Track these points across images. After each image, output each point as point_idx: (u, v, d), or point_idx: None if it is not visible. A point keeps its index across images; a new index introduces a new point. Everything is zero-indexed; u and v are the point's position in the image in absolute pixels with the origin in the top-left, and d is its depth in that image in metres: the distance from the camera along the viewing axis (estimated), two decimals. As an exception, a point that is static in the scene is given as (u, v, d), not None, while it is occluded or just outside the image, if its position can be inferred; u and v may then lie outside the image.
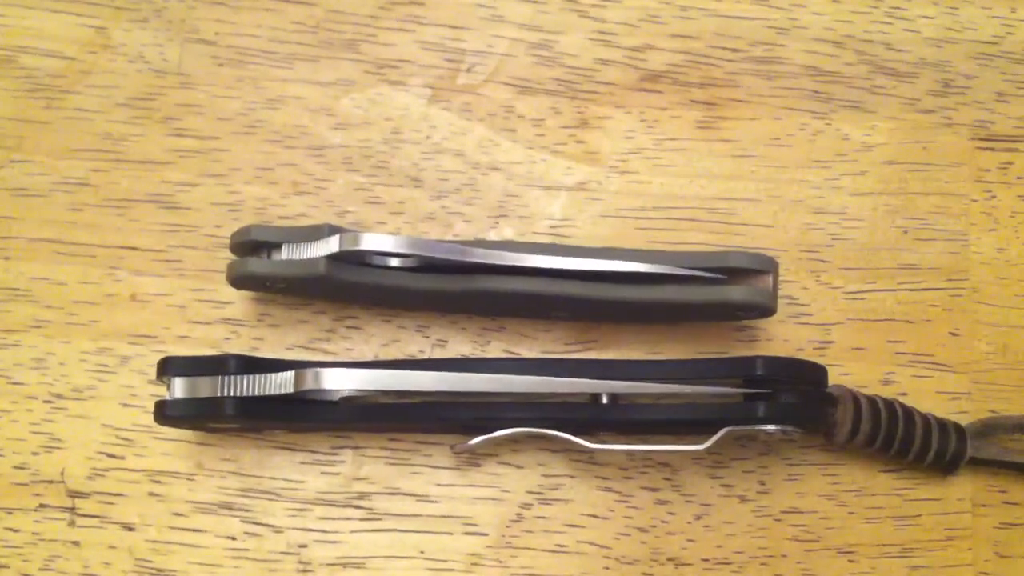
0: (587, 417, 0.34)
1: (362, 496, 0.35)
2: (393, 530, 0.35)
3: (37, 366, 0.35)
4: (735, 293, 0.34)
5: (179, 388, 0.33)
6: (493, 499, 0.35)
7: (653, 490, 0.35)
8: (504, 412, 0.33)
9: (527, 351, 0.36)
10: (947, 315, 0.37)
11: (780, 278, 0.35)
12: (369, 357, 0.36)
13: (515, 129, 0.38)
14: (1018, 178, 0.38)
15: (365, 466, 0.35)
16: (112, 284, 0.36)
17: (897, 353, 0.37)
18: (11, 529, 0.34)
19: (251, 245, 0.34)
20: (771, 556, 0.35)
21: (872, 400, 0.34)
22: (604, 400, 0.33)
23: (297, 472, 0.35)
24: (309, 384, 0.32)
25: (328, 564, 0.34)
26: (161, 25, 0.38)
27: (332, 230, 0.33)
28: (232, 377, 0.32)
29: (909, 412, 0.35)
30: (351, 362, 0.35)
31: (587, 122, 0.38)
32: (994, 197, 0.38)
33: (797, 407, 0.33)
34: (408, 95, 0.38)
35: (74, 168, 0.37)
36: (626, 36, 0.39)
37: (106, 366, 0.35)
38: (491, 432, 0.33)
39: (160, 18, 0.38)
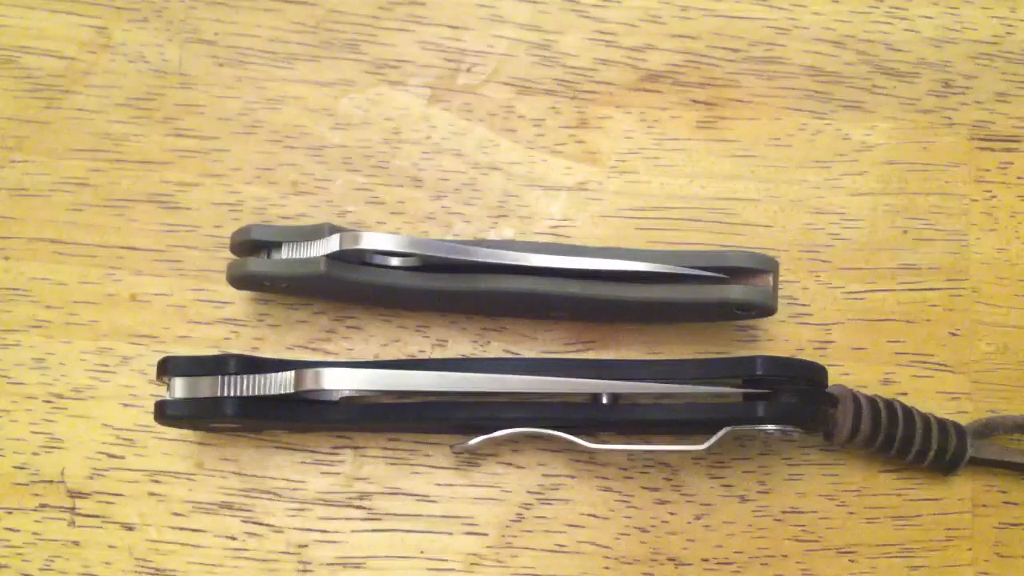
0: (587, 417, 0.34)
1: (362, 496, 0.35)
2: (393, 530, 0.35)
3: (37, 366, 0.35)
4: (735, 292, 0.34)
5: (179, 388, 0.33)
6: (493, 499, 0.35)
7: (653, 490, 0.35)
8: (504, 412, 0.33)
9: (527, 351, 0.36)
10: (947, 315, 0.37)
11: (780, 278, 0.35)
12: (369, 357, 0.36)
13: (515, 129, 0.38)
14: (1018, 178, 0.38)
15: (365, 466, 0.35)
16: (112, 284, 0.36)
17: (897, 353, 0.37)
18: (11, 529, 0.34)
19: (251, 245, 0.34)
20: (771, 556, 0.35)
21: (872, 400, 0.34)
22: (604, 400, 0.33)
23: (297, 472, 0.35)
24: (309, 384, 0.32)
25: (328, 564, 0.34)
26: (161, 25, 0.38)
27: (332, 230, 0.33)
28: (232, 377, 0.32)
29: (909, 412, 0.35)
30: (351, 362, 0.35)
31: (587, 122, 0.38)
32: (994, 197, 0.38)
33: (797, 407, 0.33)
34: (408, 95, 0.38)
35: (74, 168, 0.37)
36: (626, 36, 0.39)
37: (106, 366, 0.35)
38: (491, 432, 0.33)
39: (160, 18, 0.38)
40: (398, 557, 0.35)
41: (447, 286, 0.34)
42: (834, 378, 0.35)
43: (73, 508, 0.34)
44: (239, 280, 0.34)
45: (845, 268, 0.37)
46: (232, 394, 0.32)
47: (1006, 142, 0.39)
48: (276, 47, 0.38)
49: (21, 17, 0.38)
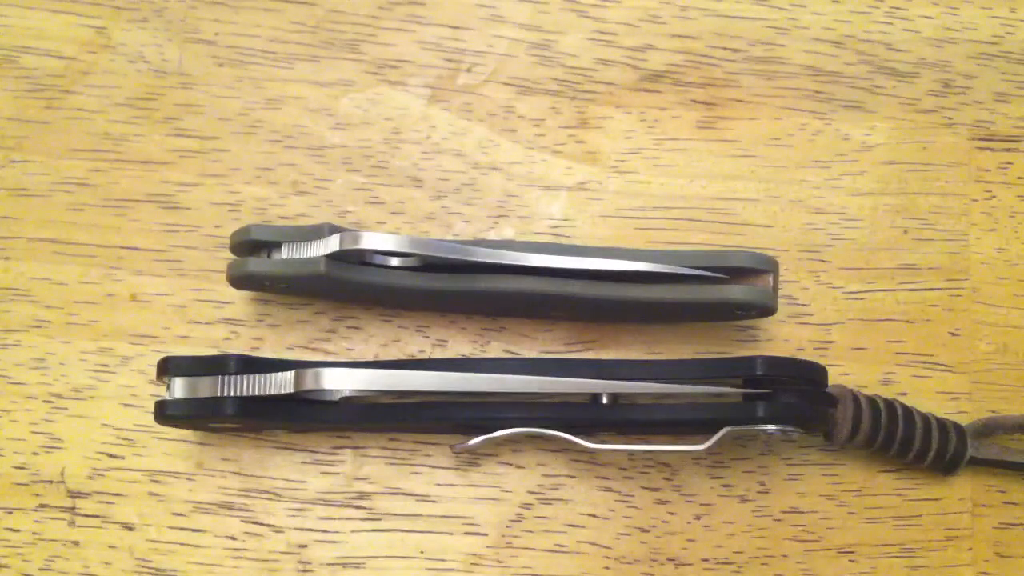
0: (587, 417, 0.34)
1: (362, 496, 0.35)
2: (393, 530, 0.35)
3: (37, 366, 0.35)
4: (735, 292, 0.34)
5: (179, 388, 0.33)
6: (493, 499, 0.35)
7: (653, 490, 0.35)
8: (504, 412, 0.33)
9: (527, 351, 0.36)
10: (947, 315, 0.37)
11: (780, 278, 0.35)
12: (369, 357, 0.36)
13: (515, 129, 0.38)
14: (1018, 178, 0.38)
15: (365, 466, 0.35)
16: (112, 284, 0.36)
17: (897, 353, 0.37)
18: (11, 529, 0.34)
19: (251, 245, 0.34)
20: (771, 556, 0.35)
21: (872, 400, 0.34)
22: (604, 400, 0.33)
23: (297, 472, 0.35)
24: (309, 384, 0.32)
25: (328, 564, 0.34)
26: (161, 25, 0.38)
27: (332, 230, 0.33)
28: (232, 377, 0.32)
29: (909, 412, 0.35)
30: (351, 362, 0.35)
31: (587, 122, 0.38)
32: (994, 197, 0.38)
33: (797, 407, 0.33)
34: (408, 95, 0.38)
35: (74, 168, 0.37)
36: (626, 36, 0.39)
37: (106, 366, 0.35)
38: (491, 432, 0.33)
39: (160, 18, 0.38)
40: (398, 557, 0.35)
41: (447, 286, 0.34)
42: (834, 378, 0.35)
43: (73, 508, 0.34)
44: (239, 280, 0.34)
45: (845, 268, 0.37)
46: (232, 394, 0.32)
47: (1006, 142, 0.39)
48: (276, 47, 0.38)
49: (21, 17, 0.38)
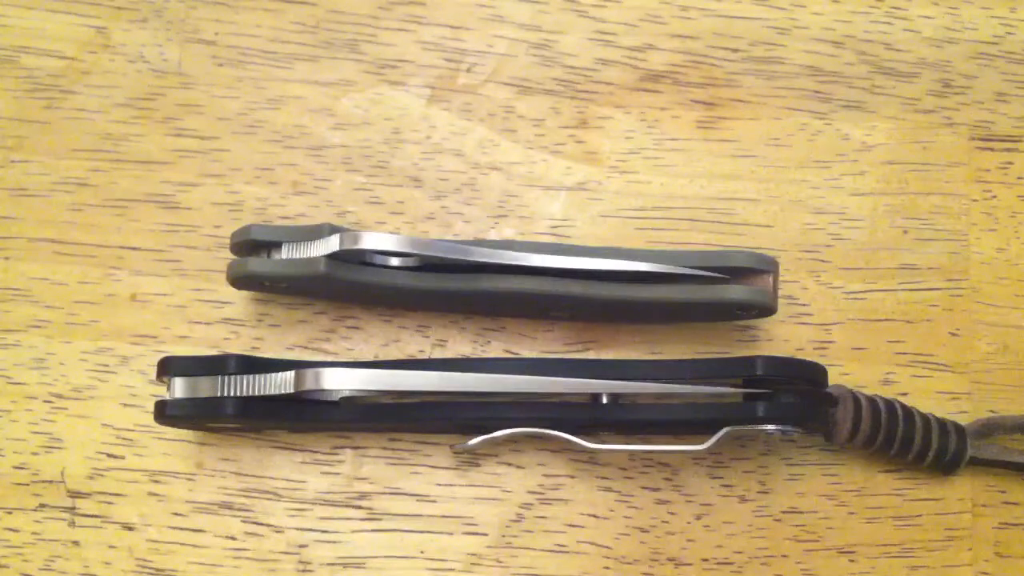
0: (587, 417, 0.34)
1: (362, 496, 0.35)
2: (393, 530, 0.35)
3: (37, 366, 0.35)
4: (735, 292, 0.34)
5: (179, 388, 0.33)
6: (493, 499, 0.35)
7: (653, 490, 0.35)
8: (504, 412, 0.33)
9: (527, 351, 0.36)
10: (947, 315, 0.37)
11: (780, 278, 0.35)
12: (369, 357, 0.36)
13: (515, 129, 0.38)
14: (1018, 178, 0.38)
15: (365, 466, 0.35)
16: (112, 284, 0.36)
17: (897, 353, 0.37)
18: (11, 529, 0.34)
19: (251, 245, 0.34)
20: (771, 556, 0.35)
21: (872, 400, 0.34)
22: (604, 400, 0.33)
23: (297, 472, 0.35)
24: (309, 384, 0.32)
25: (328, 564, 0.34)
26: (161, 25, 0.38)
27: (332, 230, 0.33)
28: (232, 377, 0.32)
29: (909, 412, 0.35)
30: (351, 362, 0.35)
31: (587, 122, 0.38)
32: (994, 197, 0.38)
33: (797, 407, 0.33)
34: (408, 95, 0.38)
35: (74, 168, 0.37)
36: (626, 36, 0.39)
37: (106, 366, 0.35)
38: (491, 432, 0.33)
39: (160, 18, 0.38)
40: (398, 557, 0.35)
41: (447, 286, 0.34)
42: (834, 378, 0.35)
43: (73, 508, 0.34)
44: (239, 280, 0.34)
45: (845, 268, 0.37)
46: (232, 394, 0.32)
47: (1006, 142, 0.39)
48: (276, 47, 0.38)
49: (21, 17, 0.38)
